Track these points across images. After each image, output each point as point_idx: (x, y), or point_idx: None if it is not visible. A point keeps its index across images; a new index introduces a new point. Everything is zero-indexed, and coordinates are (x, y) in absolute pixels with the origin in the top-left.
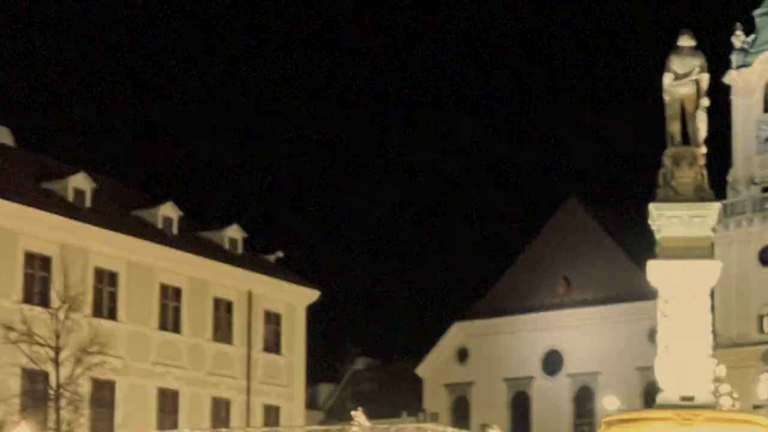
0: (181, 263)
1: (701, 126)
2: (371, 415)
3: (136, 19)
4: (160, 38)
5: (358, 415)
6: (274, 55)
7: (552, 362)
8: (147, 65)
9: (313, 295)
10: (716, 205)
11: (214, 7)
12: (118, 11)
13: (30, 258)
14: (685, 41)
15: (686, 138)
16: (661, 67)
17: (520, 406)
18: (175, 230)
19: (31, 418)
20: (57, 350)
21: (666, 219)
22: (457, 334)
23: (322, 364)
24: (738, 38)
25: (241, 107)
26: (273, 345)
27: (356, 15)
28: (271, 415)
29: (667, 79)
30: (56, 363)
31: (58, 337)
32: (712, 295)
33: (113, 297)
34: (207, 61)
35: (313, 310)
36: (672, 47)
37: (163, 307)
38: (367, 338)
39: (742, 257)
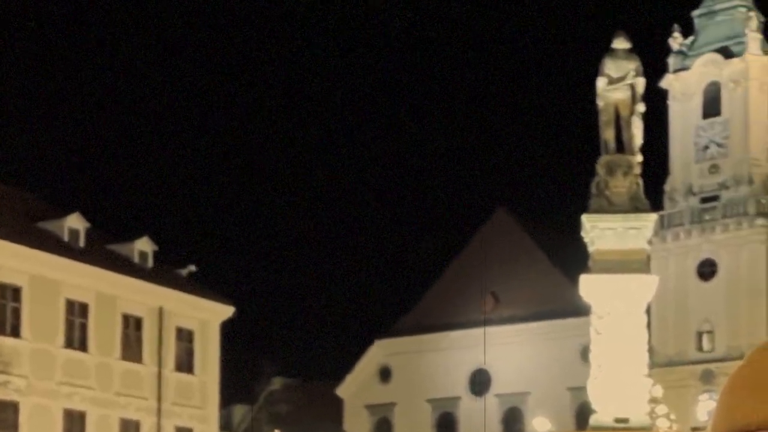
0: (88, 277)
1: (637, 132)
2: None
3: (41, 26)
4: (66, 44)
5: None
6: (182, 62)
7: (479, 382)
8: (53, 72)
9: (227, 311)
10: (652, 217)
11: (117, 11)
12: (22, 17)
13: None
14: (620, 43)
15: (621, 145)
16: (595, 71)
17: (446, 427)
18: (81, 242)
19: None
20: None
21: (599, 231)
22: (378, 352)
23: (236, 384)
24: (676, 40)
25: (150, 115)
26: (185, 364)
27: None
28: None
29: (601, 83)
30: None
31: None
32: (648, 311)
33: (16, 313)
34: (115, 68)
35: (227, 327)
36: (606, 50)
37: (69, 324)
38: (284, 357)
39: (680, 271)
